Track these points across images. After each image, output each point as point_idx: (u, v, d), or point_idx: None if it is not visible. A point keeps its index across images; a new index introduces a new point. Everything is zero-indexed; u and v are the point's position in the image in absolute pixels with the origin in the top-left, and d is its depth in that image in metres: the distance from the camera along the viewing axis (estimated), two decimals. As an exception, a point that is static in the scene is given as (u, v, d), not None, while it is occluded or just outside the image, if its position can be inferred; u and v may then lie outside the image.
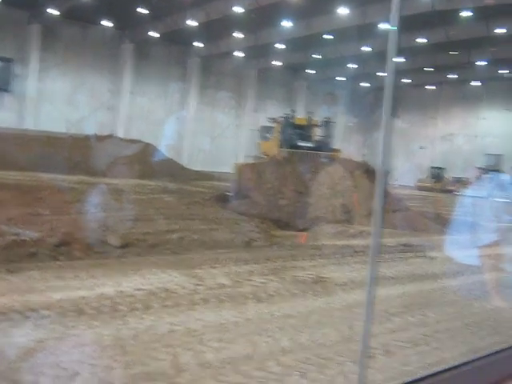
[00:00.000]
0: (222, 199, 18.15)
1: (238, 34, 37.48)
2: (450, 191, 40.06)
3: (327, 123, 20.56)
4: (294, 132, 20.22)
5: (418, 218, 16.52)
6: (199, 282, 7.38)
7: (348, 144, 42.97)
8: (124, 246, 9.07)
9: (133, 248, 9.11)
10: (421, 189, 43.74)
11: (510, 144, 46.43)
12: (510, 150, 46.20)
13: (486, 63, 40.27)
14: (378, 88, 43.88)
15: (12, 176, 18.56)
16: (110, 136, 31.22)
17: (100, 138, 28.70)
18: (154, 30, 37.21)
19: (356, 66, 43.82)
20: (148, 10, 33.64)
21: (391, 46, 1.80)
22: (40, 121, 35.77)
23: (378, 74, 40.67)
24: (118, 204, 13.84)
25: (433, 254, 11.48)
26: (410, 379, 2.63)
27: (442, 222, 16.75)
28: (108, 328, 5.29)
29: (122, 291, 6.55)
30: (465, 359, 2.44)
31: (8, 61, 35.36)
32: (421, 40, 34.25)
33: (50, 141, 26.49)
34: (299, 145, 19.43)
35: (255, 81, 47.65)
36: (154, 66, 42.39)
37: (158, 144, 32.91)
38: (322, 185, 16.41)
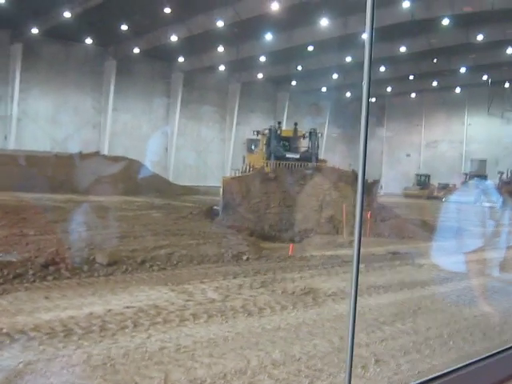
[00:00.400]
0: (210, 213, 18.12)
1: (220, 48, 37.67)
2: (437, 198, 40.32)
3: (312, 134, 20.60)
4: (280, 144, 20.25)
5: (406, 225, 16.61)
6: (189, 298, 7.36)
7: (333, 154, 43.11)
8: (112, 264, 9.01)
9: (121, 265, 9.05)
10: (407, 196, 43.98)
11: (494, 149, 47.04)
12: (494, 155, 46.79)
13: (466, 70, 40.90)
14: (361, 98, 44.12)
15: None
16: (96, 153, 31.15)
17: (84, 156, 28.60)
18: (137, 46, 37.25)
19: (338, 77, 44.09)
20: (130, 27, 33.74)
21: (367, 55, 1.83)
22: (24, 140, 35.50)
23: (361, 83, 40.88)
24: (104, 221, 13.79)
25: (421, 261, 11.60)
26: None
27: (429, 229, 16.90)
28: (98, 347, 5.26)
29: (110, 309, 6.51)
30: (456, 366, 2.44)
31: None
32: (402, 49, 34.69)
33: (33, 160, 26.27)
34: (286, 156, 19.46)
35: (239, 94, 47.83)
36: (137, 82, 42.46)
37: (143, 160, 32.89)
38: (310, 196, 16.45)
